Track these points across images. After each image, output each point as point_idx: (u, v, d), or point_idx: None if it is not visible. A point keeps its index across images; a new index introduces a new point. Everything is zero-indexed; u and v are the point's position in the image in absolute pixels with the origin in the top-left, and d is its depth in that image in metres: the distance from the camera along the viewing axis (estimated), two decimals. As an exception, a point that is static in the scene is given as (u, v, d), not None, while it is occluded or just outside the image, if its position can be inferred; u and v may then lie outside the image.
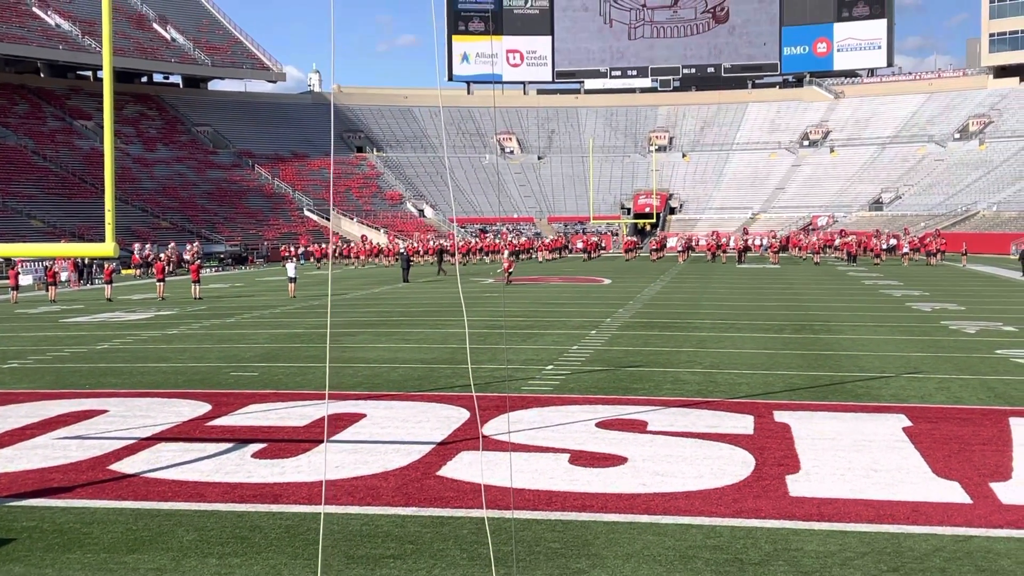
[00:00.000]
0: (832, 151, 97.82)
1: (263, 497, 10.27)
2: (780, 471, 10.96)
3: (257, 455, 12.02)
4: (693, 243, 72.00)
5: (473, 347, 21.65)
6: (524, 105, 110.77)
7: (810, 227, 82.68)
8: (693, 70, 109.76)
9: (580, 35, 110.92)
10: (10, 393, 16.76)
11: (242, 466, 11.53)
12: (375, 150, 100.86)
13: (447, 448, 12.17)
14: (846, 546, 8.60)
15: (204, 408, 15.03)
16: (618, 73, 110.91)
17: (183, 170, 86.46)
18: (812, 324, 25.50)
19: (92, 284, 48.68)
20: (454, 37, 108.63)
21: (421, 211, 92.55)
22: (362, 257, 66.44)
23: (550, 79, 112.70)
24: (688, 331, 24.31)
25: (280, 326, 27.16)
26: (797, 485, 10.44)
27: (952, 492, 10.15)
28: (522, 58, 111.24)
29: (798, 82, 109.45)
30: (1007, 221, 72.71)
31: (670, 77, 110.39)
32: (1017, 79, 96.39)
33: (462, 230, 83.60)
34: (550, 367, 18.55)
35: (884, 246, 60.63)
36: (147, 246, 60.97)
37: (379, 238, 78.50)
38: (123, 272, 54.89)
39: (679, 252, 66.53)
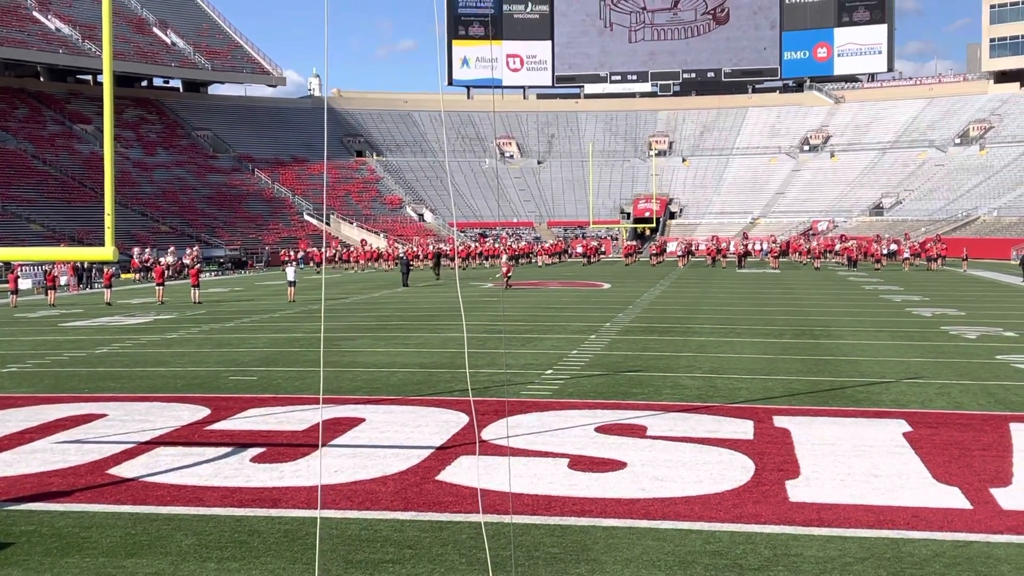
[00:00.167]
0: (832, 156, 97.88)
1: (262, 501, 10.25)
2: (780, 476, 10.94)
3: (256, 459, 12.00)
4: (693, 248, 72.01)
5: (472, 351, 21.63)
6: (524, 110, 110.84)
7: (810, 232, 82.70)
8: (693, 75, 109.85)
9: (580, 40, 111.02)
10: (9, 397, 16.74)
11: (241, 470, 11.51)
12: (375, 154, 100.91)
13: (446, 453, 12.15)
14: (846, 551, 8.58)
15: (203, 412, 15.01)
16: (618, 78, 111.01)
17: (183, 174, 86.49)
18: (812, 329, 25.48)
19: (91, 288, 48.67)
20: (454, 42, 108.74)
21: (421, 215, 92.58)
22: (361, 261, 66.43)
23: (550, 84, 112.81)
24: (688, 336, 24.30)
25: (279, 330, 27.15)
26: (797, 490, 10.42)
27: (952, 497, 10.13)
28: (522, 63, 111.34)
29: (798, 87, 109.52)
30: (1008, 226, 72.72)
31: (670, 82, 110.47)
32: (1018, 84, 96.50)
33: (462, 234, 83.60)
34: (549, 371, 18.53)
35: (884, 251, 60.64)
36: (147, 250, 60.96)
37: (379, 242, 78.50)
38: (122, 276, 54.87)
39: (679, 257, 66.53)
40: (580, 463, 11.54)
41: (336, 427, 13.69)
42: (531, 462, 11.60)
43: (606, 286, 44.25)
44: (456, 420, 14.08)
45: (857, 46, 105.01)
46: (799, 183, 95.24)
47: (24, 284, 45.25)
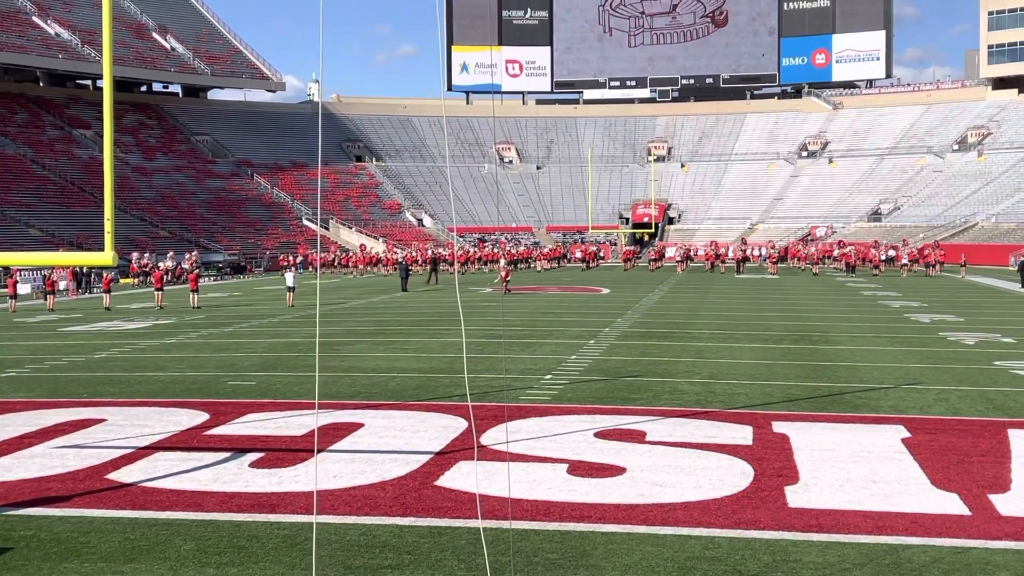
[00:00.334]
0: (831, 162, 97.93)
1: (261, 506, 10.26)
2: (779, 482, 10.95)
3: (255, 464, 12.00)
4: (692, 253, 72.03)
5: (471, 356, 21.64)
6: (523, 115, 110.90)
7: (809, 238, 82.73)
8: (692, 80, 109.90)
9: (579, 45, 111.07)
10: (8, 402, 16.74)
11: (240, 475, 11.52)
12: (374, 159, 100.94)
13: (445, 458, 12.16)
14: (845, 557, 8.59)
15: (202, 417, 15.01)
16: (617, 83, 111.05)
17: (182, 179, 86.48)
18: (811, 335, 25.50)
19: (90, 293, 48.66)
20: (454, 47, 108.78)
21: (420, 220, 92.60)
22: (360, 266, 66.44)
23: (549, 89, 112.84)
24: (686, 341, 24.31)
25: (278, 335, 27.14)
26: (796, 496, 10.43)
27: (951, 503, 10.15)
28: (521, 68, 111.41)
29: (796, 93, 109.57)
30: (1006, 232, 72.76)
31: (669, 88, 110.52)
32: (1015, 91, 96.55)
33: (460, 239, 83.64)
34: (548, 377, 18.54)
35: (883, 257, 60.65)
36: (145, 255, 60.95)
37: (378, 247, 78.53)
38: (121, 281, 54.87)
39: (678, 262, 66.54)
40: (579, 468, 11.55)
41: (335, 432, 13.70)
42: (530, 467, 11.60)
43: (605, 291, 44.26)
44: (455, 425, 14.08)
45: (855, 52, 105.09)
46: (797, 189, 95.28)
47: (23, 289, 45.23)
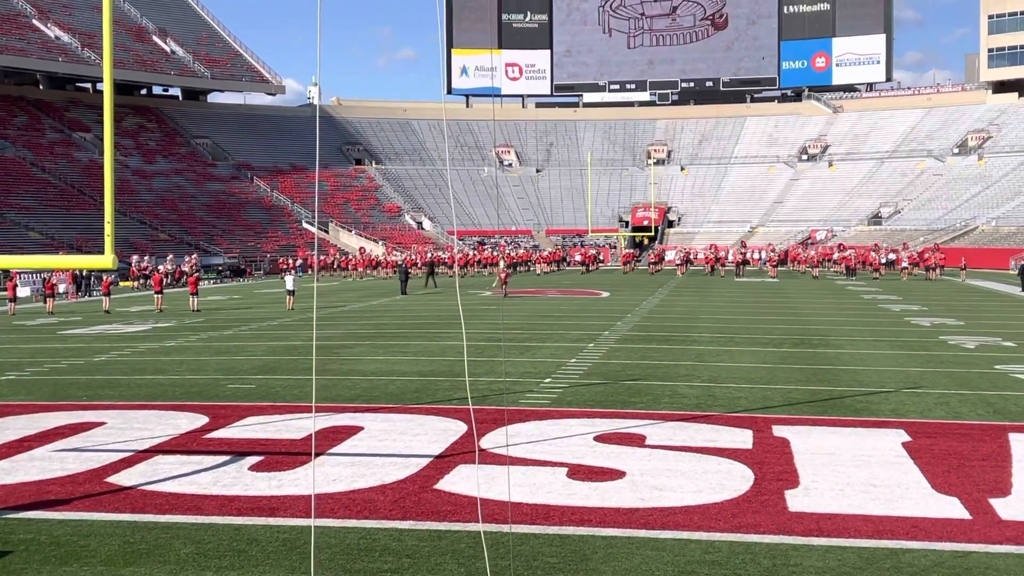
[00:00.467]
0: (831, 165, 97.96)
1: (260, 510, 10.25)
2: (779, 486, 10.94)
3: (254, 468, 11.99)
4: (691, 256, 72.03)
5: (471, 360, 21.62)
6: (523, 118, 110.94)
7: (809, 241, 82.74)
8: (692, 84, 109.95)
9: (578, 49, 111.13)
10: (7, 405, 16.72)
11: (239, 479, 11.51)
12: (374, 163, 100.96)
13: (445, 461, 12.15)
14: (845, 561, 8.58)
15: (201, 420, 15.00)
16: (617, 87, 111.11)
17: (182, 182, 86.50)
18: (811, 338, 25.49)
19: (90, 296, 48.65)
20: (453, 51, 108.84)
21: (419, 223, 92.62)
22: (360, 269, 66.44)
23: (549, 92, 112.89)
24: (686, 345, 24.30)
25: (278, 338, 27.13)
26: (796, 500, 10.42)
27: (951, 508, 10.13)
28: (521, 72, 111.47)
29: (797, 96, 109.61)
30: (1006, 236, 72.79)
31: (669, 91, 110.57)
32: (1016, 94, 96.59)
33: (460, 243, 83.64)
34: (548, 380, 18.52)
35: (883, 260, 60.68)
36: (145, 258, 60.95)
37: (377, 250, 78.55)
38: (121, 284, 54.85)
39: (677, 265, 66.54)
40: (579, 472, 11.54)
41: (334, 435, 13.69)
42: (530, 471, 11.59)
43: (605, 294, 44.25)
44: (454, 429, 14.07)
45: (855, 56, 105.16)
46: (797, 192, 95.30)
47: (23, 292, 45.20)
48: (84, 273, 50.31)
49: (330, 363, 21.33)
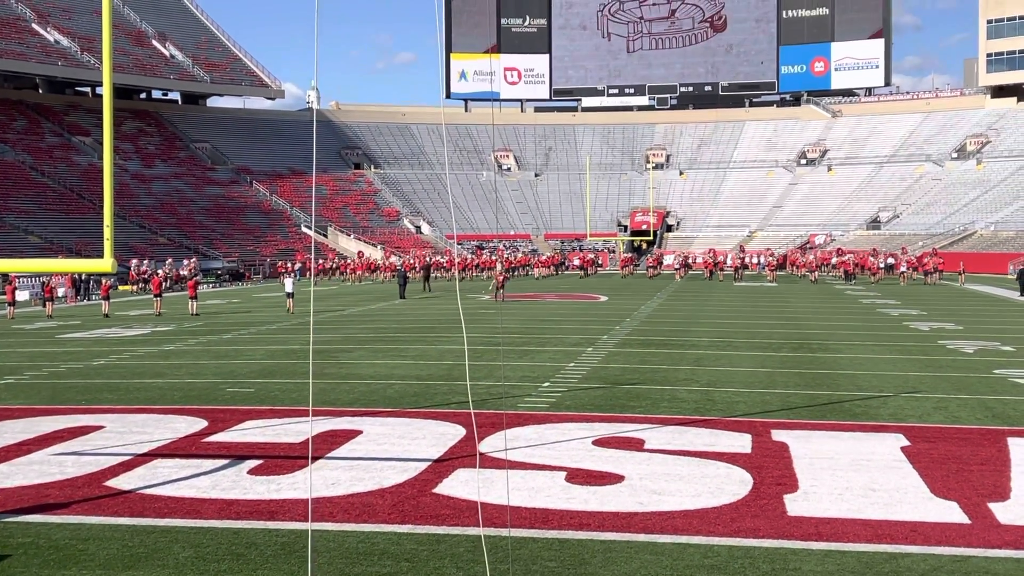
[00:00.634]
0: (830, 170, 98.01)
1: (259, 514, 10.24)
2: (778, 490, 10.94)
3: (253, 472, 11.99)
4: (690, 261, 72.05)
5: (469, 364, 21.61)
6: (521, 123, 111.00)
7: (807, 245, 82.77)
8: (690, 88, 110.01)
9: (577, 53, 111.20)
10: (6, 409, 16.72)
11: (238, 483, 11.50)
12: (373, 167, 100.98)
13: (443, 465, 12.15)
14: (844, 566, 8.58)
15: (200, 424, 15.00)
16: (615, 91, 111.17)
17: (181, 186, 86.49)
18: (810, 343, 25.49)
19: (89, 300, 48.64)
20: (452, 55, 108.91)
21: (418, 228, 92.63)
22: (358, 272, 66.45)
23: (547, 97, 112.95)
24: (685, 349, 24.30)
25: (277, 342, 27.13)
26: (795, 504, 10.42)
27: (950, 512, 10.14)
28: (520, 76, 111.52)
29: (795, 101, 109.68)
30: (1005, 240, 72.82)
31: (667, 95, 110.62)
32: (1014, 99, 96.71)
33: (459, 247, 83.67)
34: (547, 384, 18.53)
35: (882, 265, 60.70)
36: (144, 262, 60.93)
37: (376, 254, 78.57)
38: (120, 288, 54.85)
39: (676, 270, 66.53)
40: (578, 476, 11.54)
41: (333, 439, 13.68)
42: (529, 475, 11.59)
43: (603, 299, 44.26)
44: (453, 433, 14.07)
45: (854, 60, 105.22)
46: (796, 197, 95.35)
47: (22, 296, 45.20)
48: (83, 277, 50.30)
49: (329, 367, 21.33)
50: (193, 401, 17.20)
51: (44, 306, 38.96)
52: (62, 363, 22.94)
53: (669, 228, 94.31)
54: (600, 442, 13.37)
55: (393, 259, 72.28)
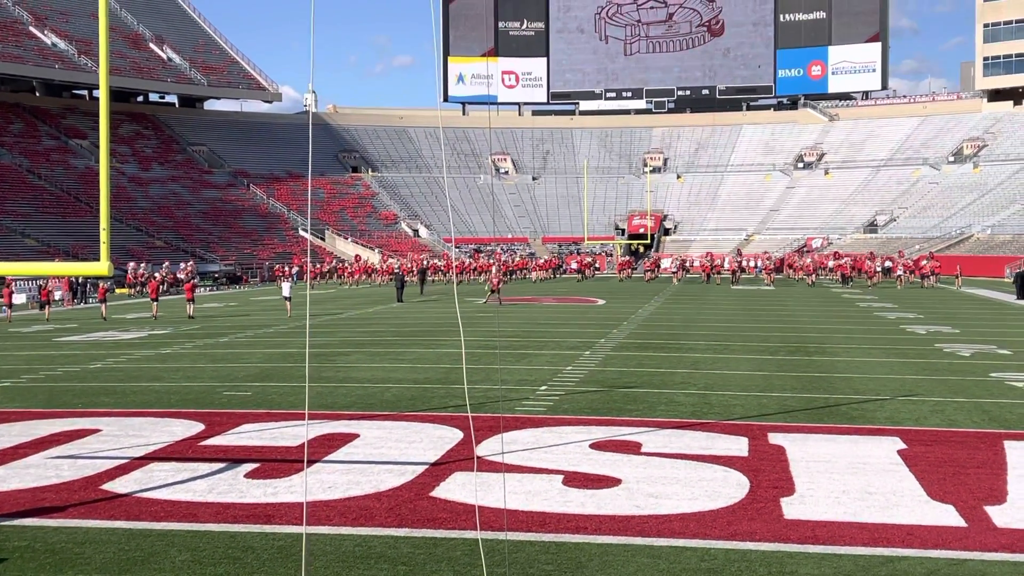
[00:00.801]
0: (827, 173, 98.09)
1: (256, 517, 10.24)
2: (775, 494, 10.94)
3: (250, 475, 11.98)
4: (687, 264, 72.08)
5: (467, 367, 21.60)
6: (519, 126, 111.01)
7: (804, 249, 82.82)
8: (688, 92, 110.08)
9: (575, 57, 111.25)
10: (3, 412, 16.70)
11: (235, 486, 11.49)
12: (370, 170, 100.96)
13: (440, 469, 12.14)
14: (841, 569, 8.58)
15: (197, 428, 14.99)
16: (613, 95, 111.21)
17: (178, 189, 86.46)
18: (807, 346, 25.50)
19: (86, 303, 48.61)
20: (450, 58, 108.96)
21: (416, 231, 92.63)
22: (356, 275, 66.45)
23: (545, 100, 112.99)
24: (682, 352, 24.30)
25: (274, 345, 27.12)
26: (792, 508, 10.42)
27: (947, 515, 10.14)
28: (517, 79, 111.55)
29: (792, 104, 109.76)
30: (1001, 244, 72.89)
31: (665, 99, 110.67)
32: (1011, 103, 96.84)
33: (457, 250, 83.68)
34: (544, 388, 18.53)
35: (879, 268, 60.73)
36: (141, 265, 60.92)
37: (373, 258, 78.58)
38: (117, 291, 54.82)
39: (673, 273, 66.57)
40: (575, 480, 11.54)
41: (330, 443, 13.68)
42: (525, 479, 11.59)
43: (600, 302, 44.26)
44: (450, 436, 14.07)
45: (851, 64, 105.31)
46: (793, 200, 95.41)
47: (19, 299, 45.19)
48: (80, 280, 50.28)
49: (326, 370, 21.32)
50: (190, 404, 17.19)
51: (41, 309, 38.95)
52: (59, 366, 22.92)
53: (666, 232, 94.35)
54: (597, 445, 13.37)
55: (392, 262, 72.29)
